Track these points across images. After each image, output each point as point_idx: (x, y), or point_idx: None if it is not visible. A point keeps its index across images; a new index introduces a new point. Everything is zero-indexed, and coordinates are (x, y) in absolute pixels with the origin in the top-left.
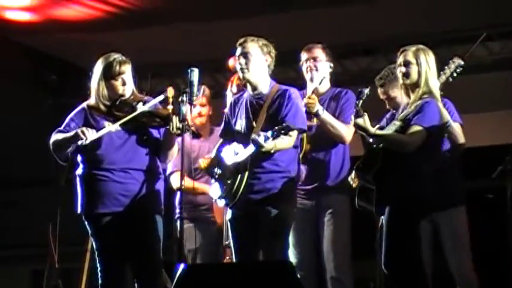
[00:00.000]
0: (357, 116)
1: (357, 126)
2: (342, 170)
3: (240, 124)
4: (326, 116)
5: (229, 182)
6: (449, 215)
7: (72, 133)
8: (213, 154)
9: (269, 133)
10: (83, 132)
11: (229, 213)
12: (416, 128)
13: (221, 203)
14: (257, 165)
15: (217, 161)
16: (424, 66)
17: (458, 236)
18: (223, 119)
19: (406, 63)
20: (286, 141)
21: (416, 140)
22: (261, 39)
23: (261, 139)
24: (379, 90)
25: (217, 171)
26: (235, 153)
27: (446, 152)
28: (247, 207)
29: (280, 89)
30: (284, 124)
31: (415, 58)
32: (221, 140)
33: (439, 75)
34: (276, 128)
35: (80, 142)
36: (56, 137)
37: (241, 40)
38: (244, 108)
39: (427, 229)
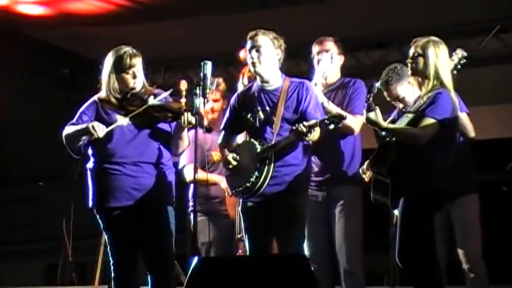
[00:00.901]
0: (369, 110)
1: (369, 121)
2: (352, 161)
3: (252, 117)
4: (331, 107)
5: (256, 173)
6: (460, 204)
7: (83, 126)
8: (220, 140)
9: (312, 122)
10: (93, 127)
11: (242, 204)
12: (429, 120)
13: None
14: (280, 159)
15: (237, 153)
16: (432, 58)
17: (468, 224)
18: (228, 110)
19: (414, 55)
20: (318, 133)
21: (429, 133)
22: (271, 32)
23: (304, 129)
24: (385, 94)
25: (235, 163)
26: (258, 146)
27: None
28: (263, 198)
29: (293, 81)
30: (336, 113)
31: (423, 50)
32: (223, 133)
33: None
34: (327, 117)
35: (92, 137)
36: (68, 129)
37: (252, 33)
38: (258, 100)
39: (440, 221)
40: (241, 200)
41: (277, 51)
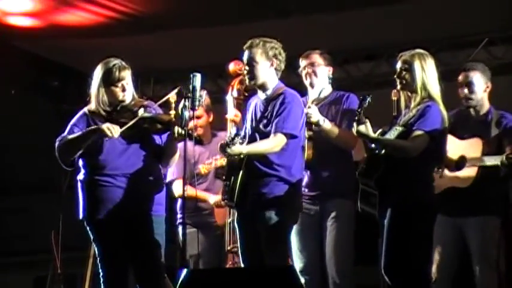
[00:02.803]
0: (359, 123)
1: (359, 133)
2: (345, 174)
3: (247, 126)
4: (327, 125)
5: (228, 182)
6: (478, 222)
7: (92, 128)
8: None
9: (231, 137)
10: (108, 128)
11: (236, 215)
12: (418, 132)
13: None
14: (254, 168)
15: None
16: (419, 72)
17: (484, 245)
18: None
19: (401, 70)
20: (267, 145)
21: (419, 146)
22: (267, 42)
23: (224, 144)
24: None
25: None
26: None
27: None
28: (249, 211)
29: (281, 92)
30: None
31: (409, 64)
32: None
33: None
34: (235, 134)
35: (106, 139)
36: (65, 139)
37: (247, 44)
38: (251, 109)
39: (453, 234)
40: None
41: (272, 61)
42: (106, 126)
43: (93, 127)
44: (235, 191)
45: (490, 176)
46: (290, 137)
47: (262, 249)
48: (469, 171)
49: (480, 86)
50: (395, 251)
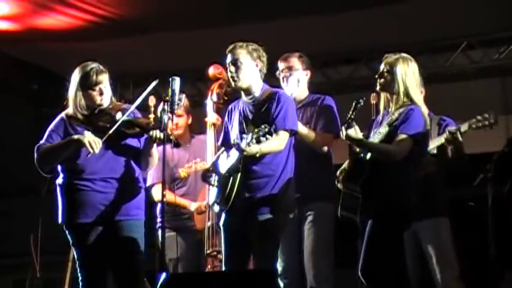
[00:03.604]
0: (348, 127)
1: (348, 137)
2: (324, 177)
3: (235, 130)
4: (301, 128)
5: (223, 186)
6: (430, 224)
7: (73, 138)
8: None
9: (249, 137)
10: (90, 143)
11: (222, 218)
12: (402, 136)
13: (216, 208)
14: (249, 170)
15: (213, 168)
16: (401, 75)
17: (440, 246)
18: (223, 126)
19: (383, 71)
20: (275, 143)
21: (404, 149)
22: (250, 44)
23: (243, 144)
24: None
25: (215, 178)
26: (227, 158)
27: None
28: (240, 212)
29: (271, 92)
30: (263, 126)
31: (391, 67)
32: (222, 149)
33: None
34: (256, 130)
35: (88, 154)
36: (45, 148)
37: (231, 47)
38: (238, 114)
39: (408, 238)
40: (223, 214)
41: (256, 62)
42: (88, 141)
43: (74, 137)
44: (232, 195)
45: (436, 176)
46: (291, 133)
47: (249, 253)
48: None
49: None
50: (376, 256)
